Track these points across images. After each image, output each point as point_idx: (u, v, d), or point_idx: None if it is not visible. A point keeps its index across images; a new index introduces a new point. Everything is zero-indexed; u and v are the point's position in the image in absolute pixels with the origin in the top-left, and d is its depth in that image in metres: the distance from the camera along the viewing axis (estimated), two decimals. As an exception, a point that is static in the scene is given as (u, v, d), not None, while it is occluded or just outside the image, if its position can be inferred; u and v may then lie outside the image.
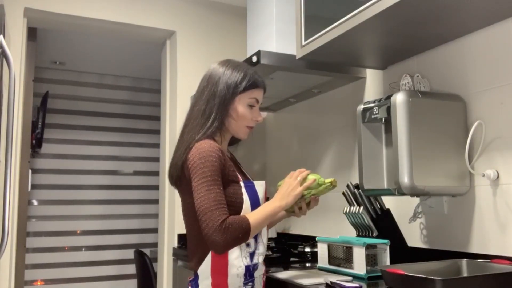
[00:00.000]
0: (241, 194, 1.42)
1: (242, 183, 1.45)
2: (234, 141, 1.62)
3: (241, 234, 1.34)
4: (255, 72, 1.53)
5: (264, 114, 2.91)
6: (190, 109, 1.55)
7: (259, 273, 1.46)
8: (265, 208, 1.42)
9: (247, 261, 1.41)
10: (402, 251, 1.77)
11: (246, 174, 1.59)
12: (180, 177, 1.45)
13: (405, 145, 1.51)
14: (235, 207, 1.41)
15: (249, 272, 1.42)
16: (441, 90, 1.76)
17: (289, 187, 1.44)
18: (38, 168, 4.34)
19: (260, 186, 1.51)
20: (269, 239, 1.67)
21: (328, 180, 1.49)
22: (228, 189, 1.41)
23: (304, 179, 1.47)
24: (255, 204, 1.45)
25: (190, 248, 1.49)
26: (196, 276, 1.42)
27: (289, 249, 2.29)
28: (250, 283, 1.42)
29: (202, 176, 1.35)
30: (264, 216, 1.40)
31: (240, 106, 1.49)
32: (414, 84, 1.82)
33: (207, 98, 1.48)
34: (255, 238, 1.45)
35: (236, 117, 1.49)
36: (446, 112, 1.60)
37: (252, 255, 1.43)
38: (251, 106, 1.51)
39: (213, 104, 1.47)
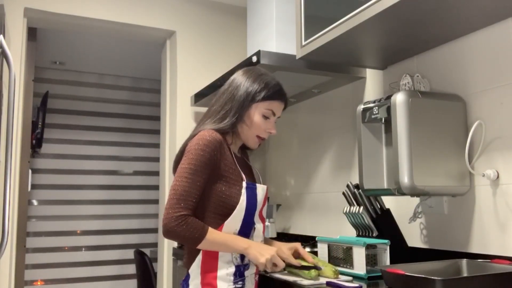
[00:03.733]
0: (239, 194, 1.42)
1: (244, 183, 1.44)
2: (246, 147, 1.62)
3: (192, 237, 1.33)
4: (278, 84, 1.52)
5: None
6: (207, 109, 1.56)
7: (250, 272, 1.46)
8: (230, 238, 1.39)
9: (237, 261, 1.42)
10: (402, 251, 1.77)
11: (259, 177, 1.60)
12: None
13: (405, 145, 1.51)
14: (227, 204, 1.41)
15: (239, 271, 1.42)
16: (441, 90, 1.76)
17: (269, 252, 1.38)
18: (38, 168, 4.34)
19: (261, 190, 1.50)
20: (269, 239, 1.67)
21: (313, 274, 1.49)
22: (223, 185, 1.41)
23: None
24: (251, 206, 1.44)
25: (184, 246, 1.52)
26: (188, 276, 1.43)
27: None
28: (240, 282, 1.42)
29: (188, 162, 1.38)
30: (223, 243, 1.37)
31: (256, 114, 1.48)
32: (414, 84, 1.82)
33: (225, 101, 1.50)
34: (246, 238, 1.45)
35: (249, 124, 1.49)
36: (446, 112, 1.60)
37: (242, 255, 1.43)
38: (266, 117, 1.50)
39: (229, 107, 1.48)
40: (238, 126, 1.50)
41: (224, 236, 1.39)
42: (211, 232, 1.36)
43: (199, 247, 1.36)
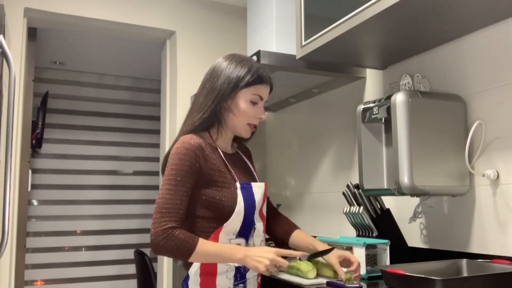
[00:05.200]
0: (233, 196, 1.38)
1: (238, 184, 1.40)
2: (240, 139, 1.56)
3: (181, 250, 1.28)
4: (261, 67, 1.46)
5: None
6: (192, 103, 1.52)
7: (252, 274, 1.43)
8: (223, 248, 1.33)
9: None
10: (402, 251, 1.77)
11: (254, 174, 1.54)
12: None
13: (405, 145, 1.51)
14: (219, 209, 1.37)
15: (240, 273, 1.39)
16: (441, 90, 1.76)
17: (266, 256, 1.27)
18: (38, 168, 4.34)
19: (258, 188, 1.46)
20: (269, 239, 1.66)
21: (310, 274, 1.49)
22: (211, 190, 1.37)
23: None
24: (250, 206, 1.40)
25: None
26: (187, 277, 1.40)
27: (289, 249, 2.29)
28: (241, 284, 1.40)
29: (168, 173, 1.34)
30: (216, 254, 1.31)
31: (242, 101, 1.43)
32: (414, 84, 1.82)
33: (207, 92, 1.45)
34: (246, 239, 1.41)
35: (237, 113, 1.43)
36: (446, 112, 1.60)
37: None
38: (254, 103, 1.45)
39: (211, 98, 1.42)
40: (224, 116, 1.45)
41: (217, 246, 1.33)
42: (202, 243, 1.30)
43: (191, 260, 1.31)
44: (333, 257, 1.45)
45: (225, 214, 1.37)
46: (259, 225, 1.46)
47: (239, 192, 1.39)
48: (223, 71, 1.44)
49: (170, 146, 1.45)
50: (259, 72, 1.45)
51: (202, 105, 1.44)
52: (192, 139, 1.38)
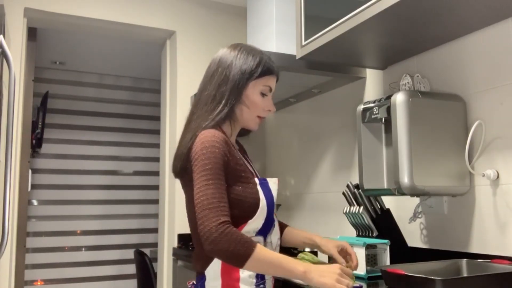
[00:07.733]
0: (257, 192, 1.32)
1: (257, 180, 1.35)
2: (243, 133, 1.51)
3: (239, 249, 1.16)
4: (269, 58, 1.41)
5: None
6: (197, 95, 1.42)
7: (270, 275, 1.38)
8: (284, 258, 1.21)
9: None
10: (402, 251, 1.77)
11: (254, 169, 1.49)
12: (186, 168, 1.33)
13: (405, 145, 1.51)
14: (248, 205, 1.30)
15: (261, 273, 1.32)
16: (441, 90, 1.76)
17: (331, 270, 1.19)
18: (38, 168, 4.34)
19: (273, 184, 1.40)
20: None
21: None
22: (237, 186, 1.30)
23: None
24: (270, 203, 1.34)
25: (196, 248, 1.38)
26: (203, 278, 1.33)
27: (289, 249, 2.29)
28: (261, 285, 1.34)
29: (203, 168, 1.25)
30: (276, 262, 1.19)
31: (254, 93, 1.37)
32: (414, 84, 1.82)
33: (218, 83, 1.36)
34: (265, 237, 1.35)
35: (249, 104, 1.37)
36: (446, 112, 1.60)
37: None
38: (263, 95, 1.39)
39: (224, 89, 1.34)
40: (236, 109, 1.37)
41: (276, 254, 1.22)
42: (261, 247, 1.19)
43: (245, 265, 1.18)
44: (332, 247, 1.43)
45: (247, 212, 1.31)
46: (276, 222, 1.41)
47: (259, 188, 1.34)
48: (234, 62, 1.37)
49: (188, 141, 1.33)
50: (269, 63, 1.40)
51: (215, 97, 1.35)
52: (216, 133, 1.31)
